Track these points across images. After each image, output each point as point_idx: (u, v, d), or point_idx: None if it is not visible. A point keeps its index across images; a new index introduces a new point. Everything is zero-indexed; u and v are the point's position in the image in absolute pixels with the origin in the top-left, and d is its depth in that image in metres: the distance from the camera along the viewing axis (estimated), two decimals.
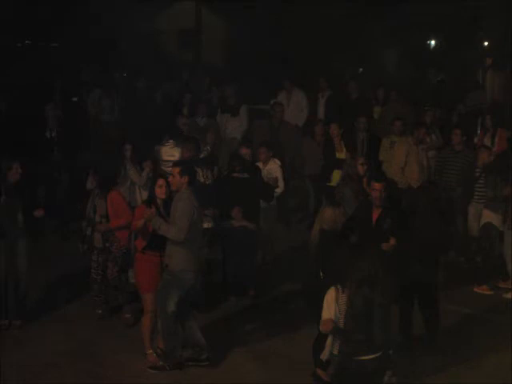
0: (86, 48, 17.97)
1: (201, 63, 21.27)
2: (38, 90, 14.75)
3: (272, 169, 11.37)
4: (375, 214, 8.98)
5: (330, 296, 7.18)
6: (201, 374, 8.47)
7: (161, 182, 8.73)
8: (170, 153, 11.35)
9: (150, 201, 8.75)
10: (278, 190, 11.25)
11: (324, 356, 7.35)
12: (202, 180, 10.49)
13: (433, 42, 23.45)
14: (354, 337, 7.03)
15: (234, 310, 10.23)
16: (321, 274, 8.02)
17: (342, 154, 12.54)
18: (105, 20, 18.26)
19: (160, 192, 8.68)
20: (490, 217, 10.99)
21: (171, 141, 11.53)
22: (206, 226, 9.60)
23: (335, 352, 7.19)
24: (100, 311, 9.91)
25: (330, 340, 7.25)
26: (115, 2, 18.54)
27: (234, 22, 22.13)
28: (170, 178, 8.61)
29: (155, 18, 22.45)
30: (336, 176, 12.01)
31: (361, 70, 21.33)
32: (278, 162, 11.54)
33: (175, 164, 8.82)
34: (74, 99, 15.86)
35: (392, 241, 8.69)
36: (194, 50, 22.20)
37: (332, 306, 7.15)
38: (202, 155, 11.23)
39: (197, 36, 22.13)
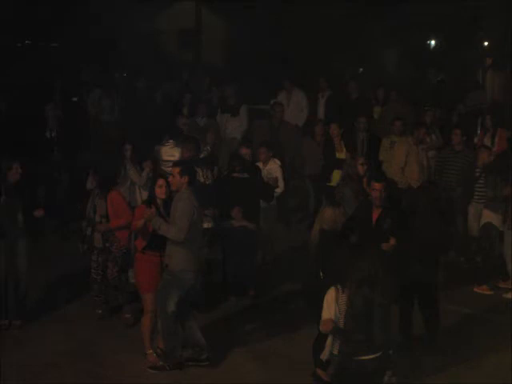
0: (86, 48, 17.97)
1: (201, 63, 21.28)
2: (38, 90, 14.75)
3: (272, 169, 11.37)
4: (375, 214, 8.98)
5: (330, 296, 7.18)
6: (201, 373, 8.47)
7: (161, 182, 8.73)
8: (170, 153, 11.35)
9: (150, 201, 8.75)
10: (278, 190, 11.25)
11: (324, 356, 7.35)
12: (202, 180, 10.49)
13: (433, 42, 23.45)
14: (354, 337, 7.03)
15: (234, 310, 10.22)
16: (321, 274, 8.02)
17: (342, 154, 12.54)
18: (105, 20, 18.26)
19: (160, 192, 8.68)
20: (489, 217, 10.99)
21: (171, 141, 11.53)
22: (206, 226, 9.60)
23: (335, 352, 7.19)
24: (100, 311, 9.91)
25: (329, 340, 7.25)
26: (115, 2, 18.54)
27: (234, 21, 22.13)
28: (170, 178, 8.61)
29: (155, 18, 22.45)
30: (336, 176, 12.01)
31: (361, 70, 21.34)
32: (278, 162, 11.54)
33: (175, 164, 8.82)
34: (74, 99, 15.86)
35: (392, 241, 8.69)
36: (194, 50, 22.20)
37: (332, 306, 7.14)
38: (202, 155, 11.23)
39: (197, 36, 22.14)
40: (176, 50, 22.93)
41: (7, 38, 18.45)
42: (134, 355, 8.74)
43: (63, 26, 18.68)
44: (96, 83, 15.89)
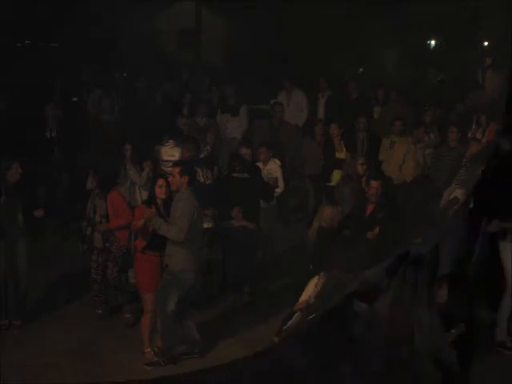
0: (86, 48, 17.95)
1: (201, 63, 21.26)
2: (38, 90, 14.73)
3: (272, 169, 11.38)
4: (370, 208, 9.14)
5: (313, 282, 7.72)
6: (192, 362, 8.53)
7: (161, 182, 8.75)
8: (170, 153, 11.36)
9: (150, 201, 8.77)
10: (278, 190, 11.26)
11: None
12: (202, 180, 10.50)
13: (433, 42, 23.43)
14: None
15: (231, 307, 10.24)
16: (310, 266, 8.15)
17: (341, 154, 12.55)
18: (105, 20, 18.22)
19: (160, 192, 8.70)
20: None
21: (171, 141, 11.54)
22: (206, 226, 9.62)
23: None
24: (100, 311, 9.92)
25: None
26: (115, 2, 18.52)
27: (234, 21, 22.08)
28: (170, 178, 8.63)
29: (155, 18, 22.40)
30: (336, 176, 12.03)
31: (361, 70, 21.33)
32: (278, 162, 11.55)
33: (175, 164, 8.85)
34: (74, 99, 15.85)
35: (376, 230, 8.76)
36: (194, 50, 22.18)
37: (310, 289, 7.68)
38: (202, 155, 11.25)
39: (197, 36, 22.12)
40: (176, 50, 22.89)
41: (7, 38, 18.43)
42: (134, 355, 8.76)
43: (63, 25, 18.65)
44: (96, 83, 15.89)
